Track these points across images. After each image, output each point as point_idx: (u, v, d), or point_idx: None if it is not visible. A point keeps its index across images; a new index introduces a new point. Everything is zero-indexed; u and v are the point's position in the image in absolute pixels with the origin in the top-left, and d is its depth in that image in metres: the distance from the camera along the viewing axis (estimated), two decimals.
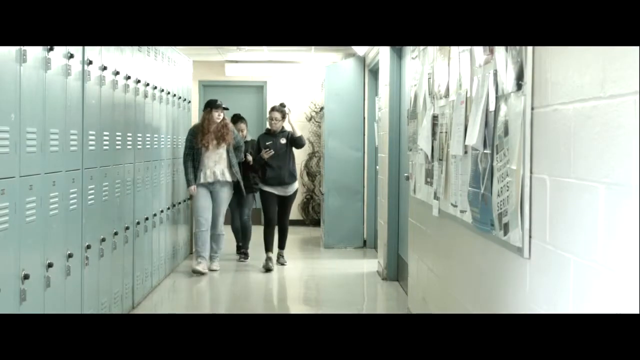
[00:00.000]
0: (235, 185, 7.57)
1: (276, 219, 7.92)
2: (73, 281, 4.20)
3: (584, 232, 2.22)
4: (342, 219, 9.21)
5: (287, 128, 7.91)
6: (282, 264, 8.03)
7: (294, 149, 7.92)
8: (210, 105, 7.45)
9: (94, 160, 4.60)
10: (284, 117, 7.87)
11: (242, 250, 8.30)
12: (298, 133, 7.86)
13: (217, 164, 7.40)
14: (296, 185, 7.97)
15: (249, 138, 8.34)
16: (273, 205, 7.86)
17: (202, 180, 7.37)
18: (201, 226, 7.46)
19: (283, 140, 7.80)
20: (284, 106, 7.93)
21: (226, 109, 7.57)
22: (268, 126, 7.95)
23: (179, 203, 7.77)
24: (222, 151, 7.41)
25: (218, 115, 7.40)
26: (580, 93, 2.26)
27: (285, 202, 7.95)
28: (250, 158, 7.88)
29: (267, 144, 7.78)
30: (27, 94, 3.46)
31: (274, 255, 7.91)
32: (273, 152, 7.68)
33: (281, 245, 8.15)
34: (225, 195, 7.53)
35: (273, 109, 7.92)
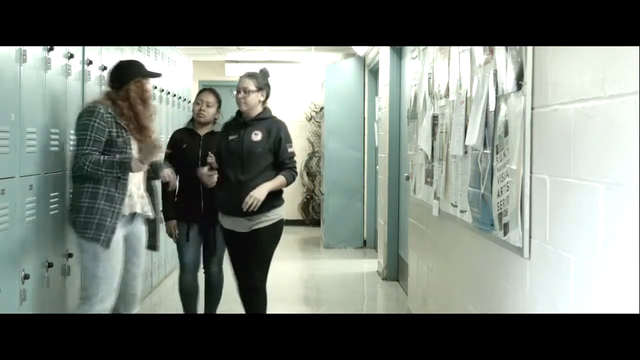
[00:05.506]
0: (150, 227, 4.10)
1: (240, 277, 4.53)
2: (73, 281, 4.20)
3: (584, 232, 2.22)
4: (342, 219, 9.21)
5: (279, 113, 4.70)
6: None
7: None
8: (140, 73, 3.95)
9: None
10: (261, 89, 4.46)
11: None
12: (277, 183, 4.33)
13: (140, 185, 3.94)
14: (279, 213, 4.42)
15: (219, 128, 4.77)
16: (232, 250, 4.52)
17: (125, 212, 3.79)
18: (104, 307, 3.73)
19: (257, 136, 4.35)
20: (266, 73, 4.62)
21: (157, 75, 4.17)
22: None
23: None
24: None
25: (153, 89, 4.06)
26: (580, 93, 2.26)
27: (253, 244, 4.37)
28: (212, 160, 4.40)
29: (230, 138, 4.41)
30: (27, 94, 3.46)
31: None
32: (212, 161, 4.36)
33: None
34: (144, 243, 4.06)
35: (243, 76, 4.50)
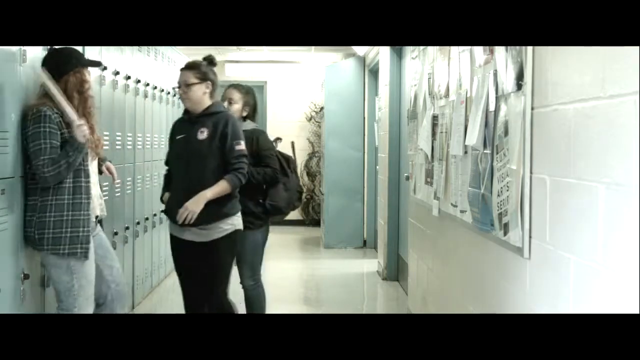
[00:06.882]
0: None
1: (198, 300, 4.05)
2: None
3: (584, 232, 2.22)
4: (342, 219, 9.21)
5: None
6: None
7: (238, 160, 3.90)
8: (80, 62, 3.59)
9: None
10: (205, 80, 3.96)
11: None
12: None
13: (97, 184, 3.71)
14: (233, 222, 3.95)
15: (250, 127, 4.41)
16: (183, 267, 4.12)
17: (93, 217, 3.60)
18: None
19: (203, 134, 3.89)
20: (211, 61, 4.06)
21: (98, 64, 3.86)
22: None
23: None
24: (95, 161, 3.73)
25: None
26: (580, 93, 2.26)
27: (207, 258, 3.94)
28: None
29: (177, 137, 4.03)
30: (27, 94, 3.46)
31: None
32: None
33: None
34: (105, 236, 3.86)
35: (182, 68, 4.05)
